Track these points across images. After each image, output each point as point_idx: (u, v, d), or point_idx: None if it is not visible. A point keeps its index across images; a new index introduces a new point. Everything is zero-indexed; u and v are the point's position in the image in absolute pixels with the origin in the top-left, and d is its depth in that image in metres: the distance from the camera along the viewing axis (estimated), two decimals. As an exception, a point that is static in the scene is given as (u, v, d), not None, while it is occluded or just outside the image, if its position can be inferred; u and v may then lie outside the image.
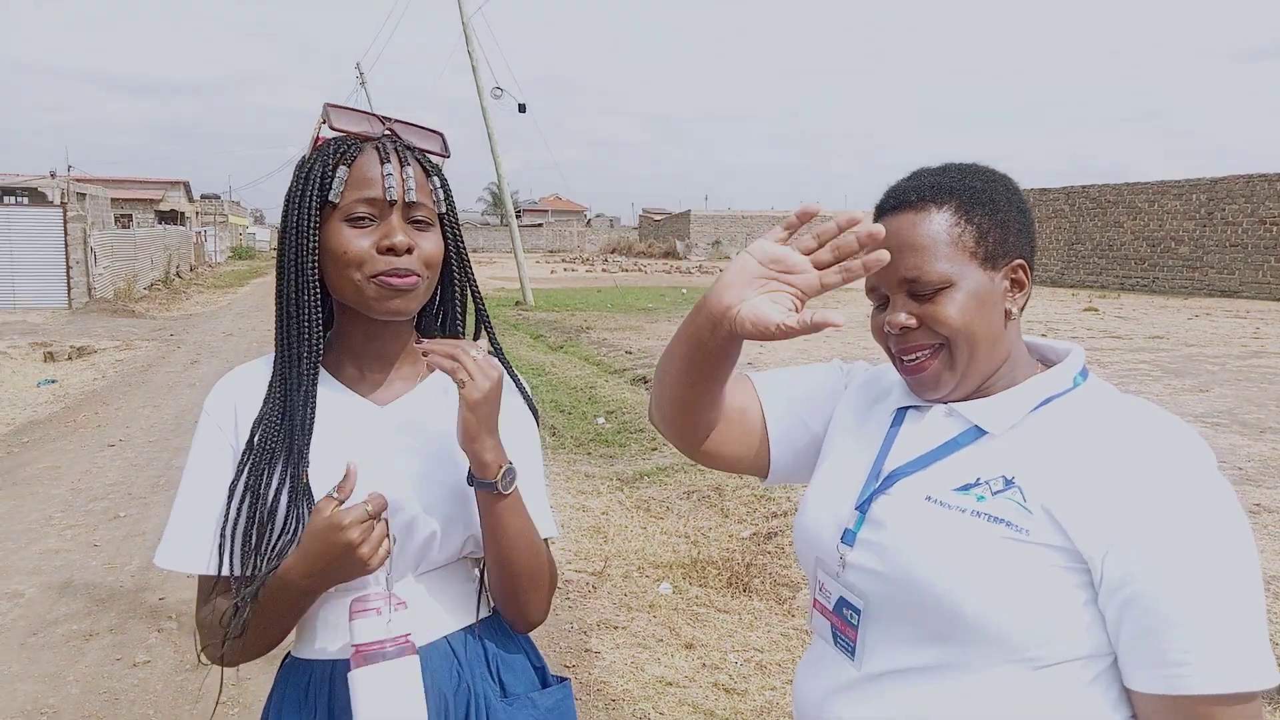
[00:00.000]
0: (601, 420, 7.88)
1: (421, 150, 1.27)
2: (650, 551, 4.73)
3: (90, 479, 6.41)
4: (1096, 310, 17.20)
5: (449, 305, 1.35)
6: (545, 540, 1.32)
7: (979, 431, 1.09)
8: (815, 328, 0.97)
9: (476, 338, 1.37)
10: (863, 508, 1.12)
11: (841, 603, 1.13)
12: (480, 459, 1.19)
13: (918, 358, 1.11)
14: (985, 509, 1.03)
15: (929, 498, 1.07)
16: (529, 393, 1.39)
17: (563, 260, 44.84)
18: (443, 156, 1.31)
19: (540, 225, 70.07)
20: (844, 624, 1.13)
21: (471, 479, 1.21)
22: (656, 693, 3.31)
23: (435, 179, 1.26)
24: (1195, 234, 22.34)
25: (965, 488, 1.06)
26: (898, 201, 1.13)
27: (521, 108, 22.25)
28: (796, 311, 1.01)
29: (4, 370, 11.27)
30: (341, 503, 1.13)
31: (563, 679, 1.37)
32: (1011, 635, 1.00)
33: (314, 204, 1.20)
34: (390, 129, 1.25)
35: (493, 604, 1.33)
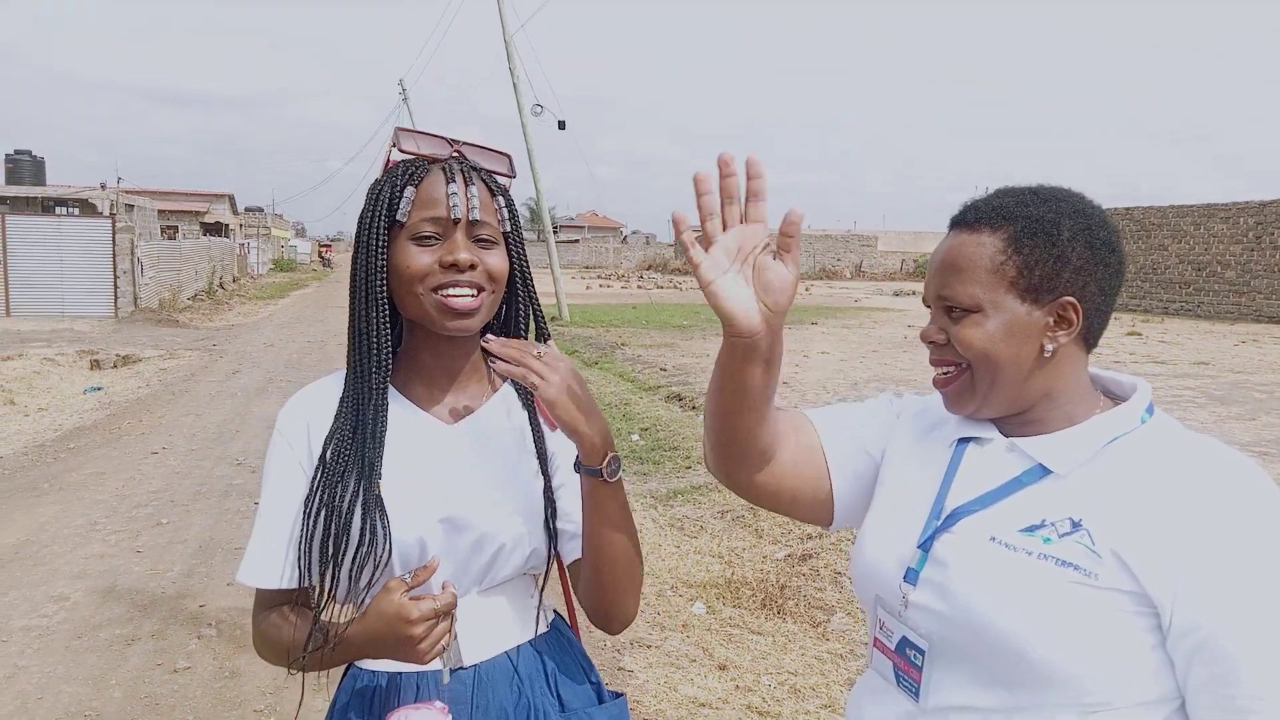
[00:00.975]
0: (635, 437, 7.89)
1: (488, 171, 1.30)
2: (684, 571, 4.72)
3: (134, 485, 6.53)
4: (1139, 334, 16.92)
5: (513, 321, 1.37)
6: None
7: (1043, 470, 1.08)
8: (795, 233, 1.03)
9: None
10: (925, 546, 1.11)
11: (904, 643, 1.12)
12: (588, 444, 1.21)
13: (945, 372, 1.13)
14: (1053, 552, 1.01)
15: (994, 538, 1.06)
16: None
17: (599, 276, 45.01)
18: (509, 177, 1.34)
19: (577, 241, 70.39)
20: (907, 664, 1.11)
21: (578, 465, 1.24)
22: (689, 714, 3.30)
23: (500, 199, 1.29)
24: (1242, 258, 21.91)
25: (1031, 529, 1.04)
26: (960, 219, 1.14)
27: (561, 124, 22.41)
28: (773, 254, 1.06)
29: (52, 377, 11.53)
30: (411, 588, 1.15)
31: (618, 694, 1.38)
32: (1080, 680, 0.99)
33: (382, 224, 1.24)
34: (458, 151, 1.29)
35: (549, 619, 1.37)
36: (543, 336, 1.39)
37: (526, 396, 1.35)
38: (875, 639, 1.18)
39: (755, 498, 1.27)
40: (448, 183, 1.23)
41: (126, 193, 27.88)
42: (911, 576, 1.11)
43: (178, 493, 6.33)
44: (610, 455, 1.21)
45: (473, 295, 1.23)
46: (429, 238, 1.22)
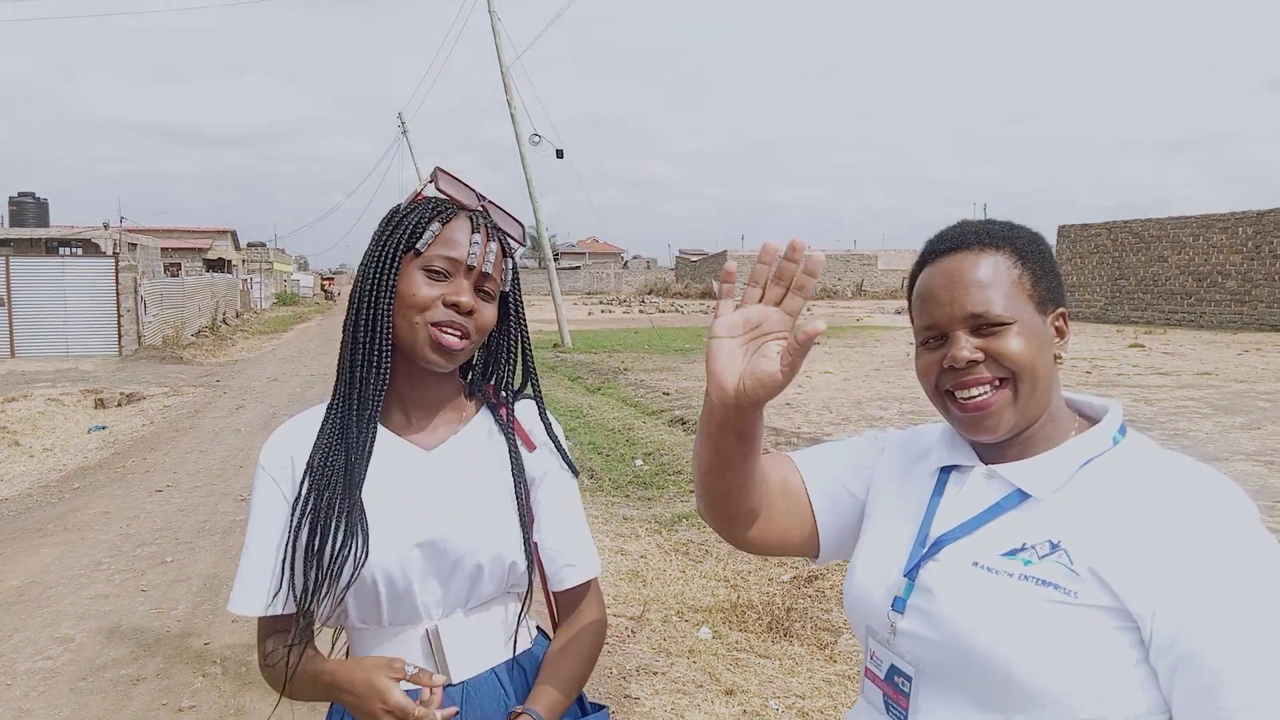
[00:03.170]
0: (639, 462, 7.88)
1: (503, 232, 1.39)
2: (689, 595, 4.70)
3: (138, 524, 6.52)
4: (1142, 346, 16.90)
5: (499, 366, 1.45)
6: (590, 581, 1.43)
7: (1022, 495, 1.10)
8: (806, 343, 0.99)
9: (521, 390, 1.47)
10: (911, 575, 1.12)
11: (893, 671, 1.13)
12: None
13: (978, 394, 1.09)
14: (1033, 573, 1.03)
15: (976, 563, 1.07)
16: (566, 451, 1.46)
17: (600, 302, 45.13)
18: (520, 244, 1.43)
19: (578, 268, 70.63)
20: (896, 692, 1.12)
21: None
22: (697, 740, 3.27)
23: (509, 260, 1.39)
24: (1242, 267, 21.93)
25: (1012, 553, 1.06)
26: (955, 244, 1.14)
27: (559, 153, 22.51)
28: (786, 345, 1.04)
29: (56, 417, 11.55)
30: (409, 679, 1.22)
31: (600, 706, 1.44)
32: (1065, 698, 0.99)
33: (399, 247, 1.31)
34: (484, 205, 1.38)
35: (532, 635, 1.43)
36: (531, 383, 1.46)
37: (504, 422, 1.41)
38: (866, 669, 1.19)
39: (744, 547, 1.28)
40: (473, 231, 1.32)
41: (129, 231, 28.08)
42: (899, 605, 1.12)
43: (182, 530, 6.32)
44: None
45: (459, 338, 1.30)
46: (439, 273, 1.30)
